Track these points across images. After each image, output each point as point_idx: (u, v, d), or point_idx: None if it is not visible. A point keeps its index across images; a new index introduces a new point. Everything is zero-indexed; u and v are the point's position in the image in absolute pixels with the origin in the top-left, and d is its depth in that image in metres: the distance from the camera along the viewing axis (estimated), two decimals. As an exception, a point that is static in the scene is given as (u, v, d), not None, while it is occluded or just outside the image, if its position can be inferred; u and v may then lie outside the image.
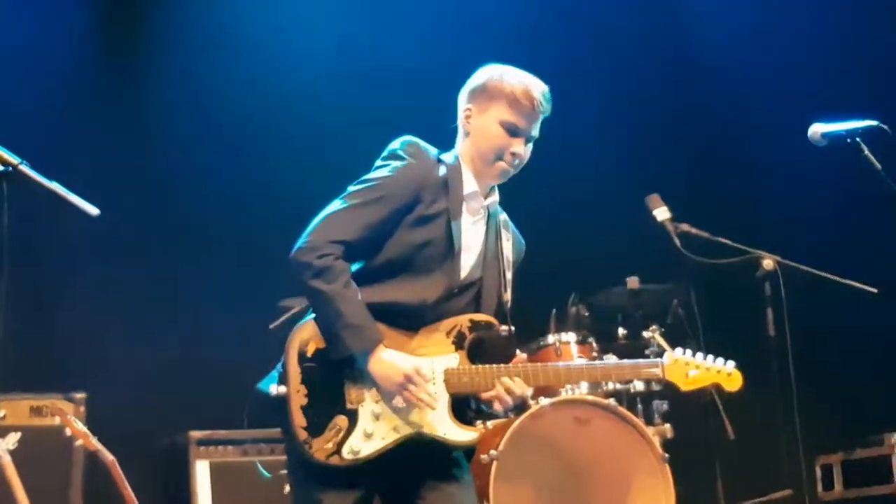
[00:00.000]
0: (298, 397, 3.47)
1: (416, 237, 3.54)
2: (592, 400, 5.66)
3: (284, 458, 4.50)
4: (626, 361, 3.81)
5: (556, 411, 5.59)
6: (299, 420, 3.45)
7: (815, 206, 7.21)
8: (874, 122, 4.26)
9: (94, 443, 5.10)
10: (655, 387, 5.93)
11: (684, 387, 3.83)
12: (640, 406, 5.96)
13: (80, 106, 6.69)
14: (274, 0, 7.17)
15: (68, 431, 5.34)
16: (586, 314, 6.09)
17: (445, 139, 3.75)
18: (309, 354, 3.50)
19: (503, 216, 3.80)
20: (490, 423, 5.49)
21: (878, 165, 4.24)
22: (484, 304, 3.66)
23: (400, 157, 3.58)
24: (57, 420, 5.43)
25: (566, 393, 5.69)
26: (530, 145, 3.66)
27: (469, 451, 3.68)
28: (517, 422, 5.47)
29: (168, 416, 6.36)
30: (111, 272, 6.53)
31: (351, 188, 3.57)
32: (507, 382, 3.55)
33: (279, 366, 3.54)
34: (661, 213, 5.60)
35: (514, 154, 3.61)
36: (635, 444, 5.60)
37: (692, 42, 7.41)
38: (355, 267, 3.53)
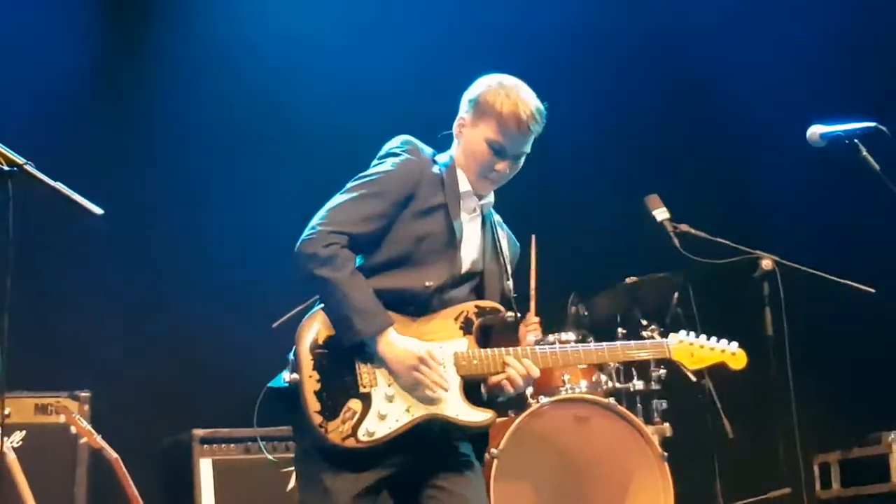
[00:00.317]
0: (311, 382, 3.48)
1: (417, 230, 3.58)
2: (592, 399, 5.68)
3: (288, 456, 4.53)
4: (632, 342, 3.83)
5: (555, 410, 5.61)
6: (313, 404, 3.47)
7: (814, 207, 7.21)
8: (872, 124, 4.29)
9: (99, 441, 5.14)
10: (655, 386, 5.95)
11: (690, 365, 3.86)
12: (639, 405, 5.96)
13: (84, 107, 6.69)
14: (274, 0, 7.18)
15: (73, 429, 5.39)
16: (586, 314, 6.10)
17: (444, 144, 3.79)
18: (320, 342, 3.53)
19: (497, 217, 3.85)
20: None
21: (877, 166, 4.26)
22: (487, 292, 3.71)
23: (397, 154, 3.63)
24: (62, 418, 5.48)
25: (566, 392, 5.72)
26: (520, 161, 3.69)
27: (481, 439, 3.70)
28: (517, 420, 5.49)
29: (172, 414, 6.37)
30: (116, 271, 6.55)
31: (350, 183, 3.62)
32: (515, 363, 3.59)
33: (290, 355, 3.56)
34: (661, 214, 5.63)
35: (497, 173, 3.66)
36: (635, 442, 5.62)
37: (692, 42, 7.40)
38: (357, 262, 3.57)
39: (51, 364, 6.10)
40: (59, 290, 6.51)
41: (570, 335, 5.90)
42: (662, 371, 5.92)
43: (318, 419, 3.46)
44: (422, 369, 3.50)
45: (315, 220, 3.55)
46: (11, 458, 4.94)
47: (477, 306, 3.66)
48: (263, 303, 5.80)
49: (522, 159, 3.69)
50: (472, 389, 3.63)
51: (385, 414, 3.49)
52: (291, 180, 6.68)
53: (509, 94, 3.64)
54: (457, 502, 3.55)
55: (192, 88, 6.89)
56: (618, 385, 5.90)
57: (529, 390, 5.70)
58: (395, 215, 3.57)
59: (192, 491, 5.84)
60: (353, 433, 3.47)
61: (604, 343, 3.79)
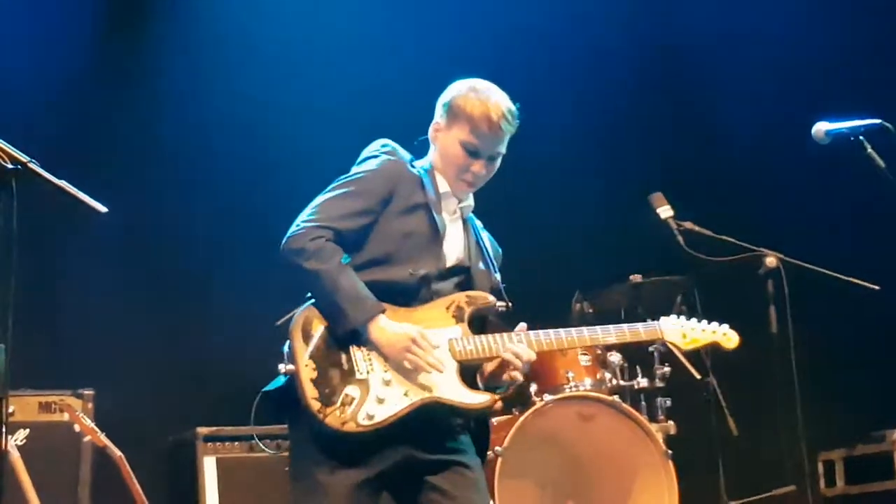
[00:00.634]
0: (307, 371, 3.49)
1: (402, 227, 3.63)
2: (596, 396, 5.68)
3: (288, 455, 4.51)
4: (625, 325, 3.85)
5: (559, 407, 5.61)
6: (311, 392, 3.47)
7: (819, 204, 7.21)
8: (878, 121, 4.29)
9: (103, 439, 5.14)
10: (659, 383, 5.94)
11: (684, 346, 3.89)
12: (643, 402, 5.95)
13: (87, 105, 6.70)
14: (275, 1, 7.18)
15: (77, 427, 5.39)
16: (590, 311, 6.10)
17: (422, 150, 3.84)
18: (313, 332, 3.54)
19: (479, 222, 3.89)
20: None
21: (882, 163, 4.27)
22: (476, 285, 3.74)
23: (377, 156, 3.71)
24: (66, 416, 5.48)
25: (570, 389, 5.72)
26: (496, 162, 3.74)
27: (482, 434, 3.70)
28: (521, 418, 5.49)
29: (175, 412, 6.38)
30: (119, 269, 6.55)
31: (334, 183, 3.68)
32: (512, 346, 3.61)
33: (284, 348, 3.57)
34: (665, 211, 5.64)
35: (474, 174, 3.71)
36: (639, 440, 5.62)
37: (694, 40, 7.40)
38: (344, 261, 3.59)
39: (55, 362, 6.12)
40: (62, 288, 6.52)
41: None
42: (667, 369, 5.91)
43: (316, 405, 3.47)
44: (415, 350, 3.51)
45: (301, 217, 3.61)
46: (15, 456, 4.94)
47: (468, 296, 3.68)
48: (267, 300, 5.78)
49: (498, 160, 3.75)
50: (470, 376, 3.63)
51: (383, 398, 3.50)
52: (292, 180, 6.64)
53: (480, 96, 3.71)
54: None
55: (194, 86, 6.89)
56: (622, 382, 5.89)
57: (533, 387, 5.70)
58: (379, 212, 3.62)
59: (196, 488, 5.86)
60: (353, 417, 3.47)
61: (597, 327, 3.79)
